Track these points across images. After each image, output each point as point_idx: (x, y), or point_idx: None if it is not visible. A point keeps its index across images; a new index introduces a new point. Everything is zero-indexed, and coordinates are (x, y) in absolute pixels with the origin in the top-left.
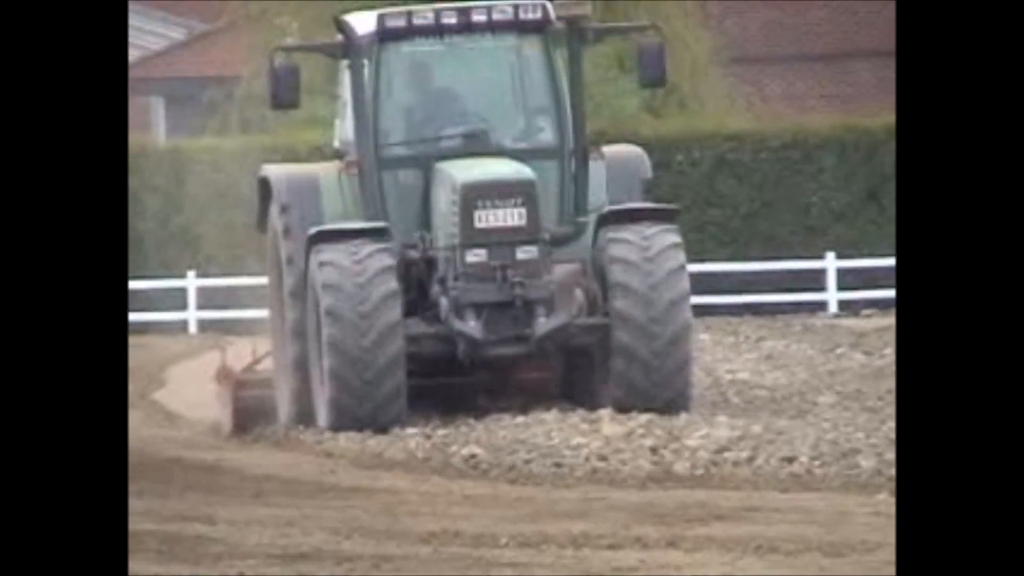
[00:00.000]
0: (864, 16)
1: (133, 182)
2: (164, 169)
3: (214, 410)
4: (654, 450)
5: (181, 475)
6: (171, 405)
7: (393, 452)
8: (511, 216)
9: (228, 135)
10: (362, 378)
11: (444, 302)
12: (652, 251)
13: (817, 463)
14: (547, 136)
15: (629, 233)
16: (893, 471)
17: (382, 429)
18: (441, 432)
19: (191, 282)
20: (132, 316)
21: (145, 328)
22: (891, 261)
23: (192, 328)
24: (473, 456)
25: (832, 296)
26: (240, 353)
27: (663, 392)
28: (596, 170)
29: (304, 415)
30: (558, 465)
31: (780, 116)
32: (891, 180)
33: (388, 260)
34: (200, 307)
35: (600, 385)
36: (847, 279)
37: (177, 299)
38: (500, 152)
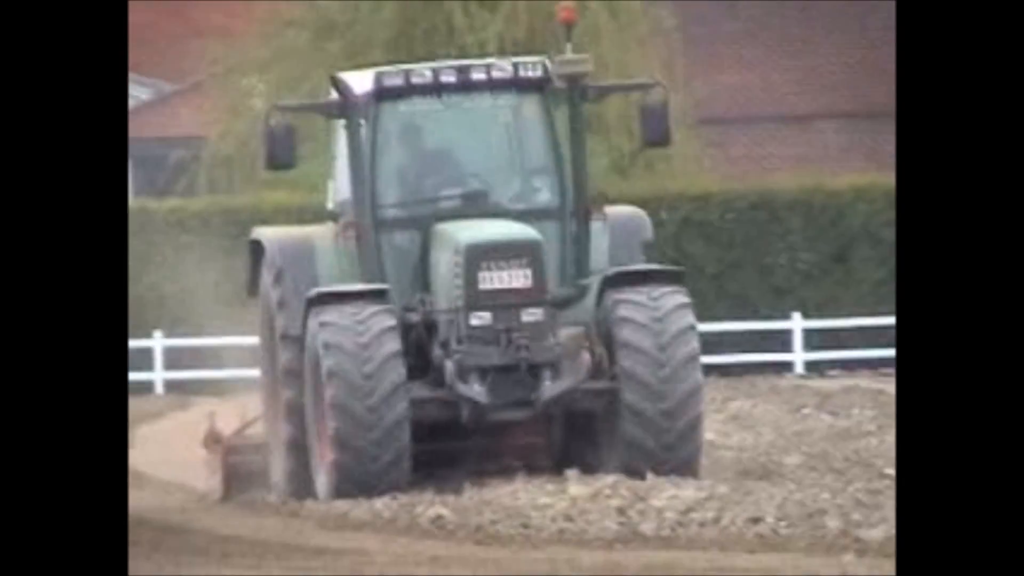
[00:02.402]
0: (829, 79)
1: None
2: (132, 229)
3: (203, 475)
4: (621, 511)
5: (149, 535)
6: (139, 466)
7: (359, 513)
8: (516, 278)
9: (195, 195)
10: (366, 439)
11: (449, 366)
12: (661, 311)
13: (783, 524)
14: (547, 196)
15: (637, 295)
16: (859, 532)
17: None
18: (407, 493)
19: (158, 342)
20: None
21: None
22: (857, 321)
23: (159, 388)
24: (439, 517)
25: (798, 356)
26: (219, 412)
27: (673, 455)
28: (598, 231)
29: (299, 481)
30: (525, 526)
31: (747, 177)
32: (857, 241)
33: (390, 321)
34: (167, 367)
35: (605, 450)
36: (813, 340)
37: (144, 359)
38: (500, 213)
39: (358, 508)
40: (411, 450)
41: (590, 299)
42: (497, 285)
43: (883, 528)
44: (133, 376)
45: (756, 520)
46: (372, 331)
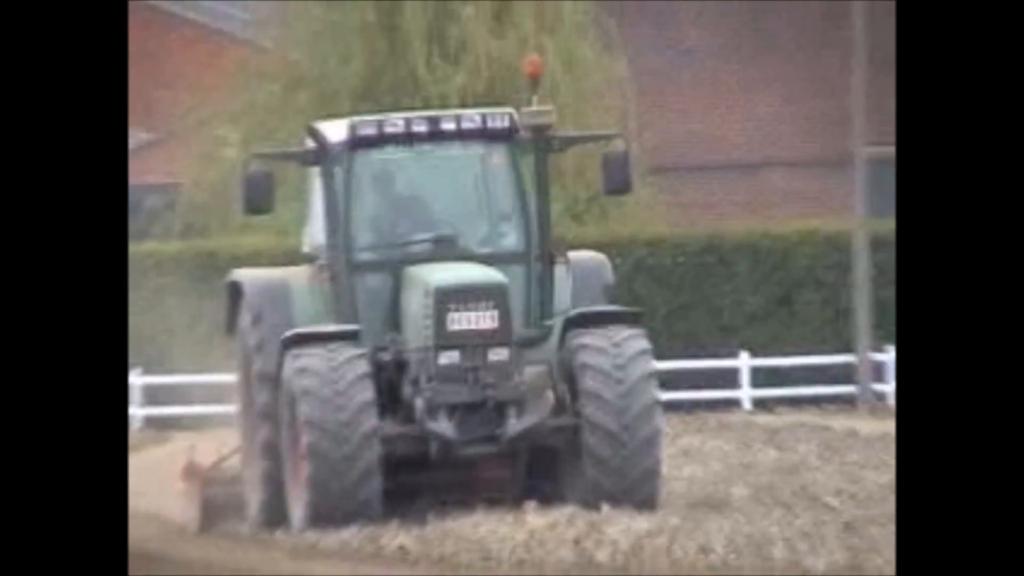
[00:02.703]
0: (775, 128)
1: None
2: None
3: (180, 507)
4: (576, 541)
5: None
6: None
7: (328, 542)
8: (483, 319)
9: (170, 240)
10: (340, 484)
11: (419, 403)
12: (623, 358)
13: (732, 554)
14: (513, 241)
15: (598, 339)
16: (805, 562)
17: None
18: (372, 524)
19: (136, 379)
20: None
21: None
22: (802, 360)
23: (137, 424)
24: (403, 547)
25: (746, 393)
26: (197, 447)
27: (632, 496)
28: (561, 274)
29: (274, 513)
30: (485, 557)
31: (696, 222)
32: (802, 284)
33: (364, 367)
34: (145, 403)
35: (566, 484)
36: (760, 377)
37: None
38: (468, 257)
39: (327, 538)
40: (380, 469)
41: (553, 339)
42: (465, 326)
43: (827, 558)
44: None
45: (706, 551)
46: (347, 379)
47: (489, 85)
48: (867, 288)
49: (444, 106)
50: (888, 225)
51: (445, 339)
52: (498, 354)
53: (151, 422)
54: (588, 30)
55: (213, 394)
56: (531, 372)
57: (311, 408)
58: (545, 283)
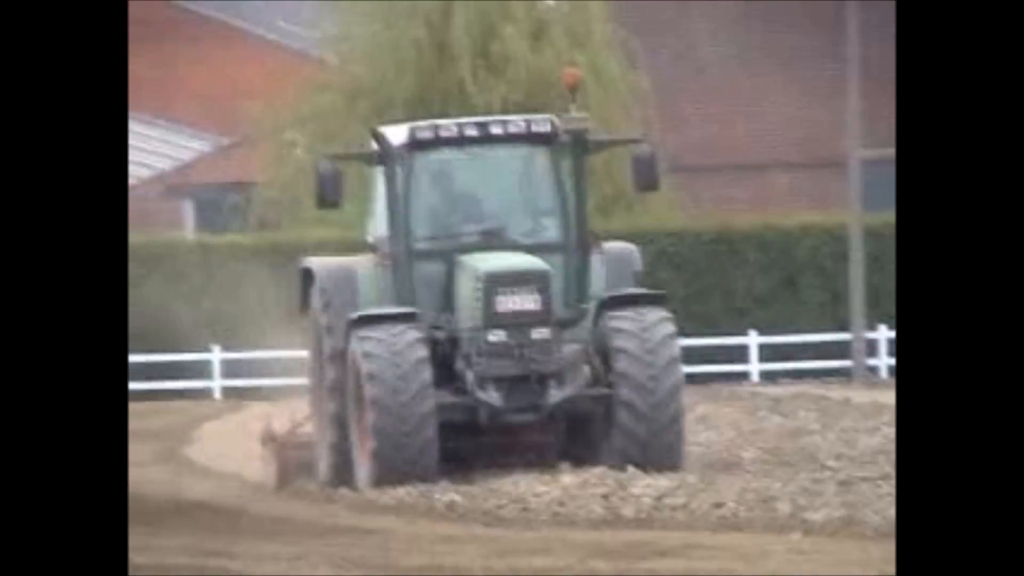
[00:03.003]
0: (780, 133)
1: (167, 271)
2: (194, 260)
3: (260, 469)
4: (605, 497)
5: (207, 518)
6: (200, 459)
7: (385, 499)
8: (527, 302)
9: (247, 232)
10: (399, 430)
11: (469, 375)
12: (652, 342)
13: (742, 508)
14: (553, 233)
15: (630, 323)
16: (805, 515)
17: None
18: (425, 483)
19: (216, 355)
20: (166, 384)
21: (177, 394)
22: (804, 337)
23: (217, 394)
24: (453, 502)
25: (754, 367)
26: (272, 416)
27: (658, 464)
28: (596, 263)
29: (341, 474)
30: (524, 510)
31: (711, 216)
32: (804, 271)
33: (423, 351)
34: (224, 376)
35: (599, 448)
36: (767, 353)
37: (204, 369)
38: (513, 247)
39: (384, 496)
40: (437, 443)
41: (589, 320)
42: (511, 307)
43: (825, 511)
44: (195, 384)
45: (719, 505)
46: (408, 363)
47: (528, 95)
48: (861, 274)
49: (488, 114)
50: (880, 218)
51: (494, 319)
52: (540, 332)
53: (228, 393)
54: (614, 47)
55: (283, 368)
56: (569, 349)
57: (376, 390)
58: (582, 270)
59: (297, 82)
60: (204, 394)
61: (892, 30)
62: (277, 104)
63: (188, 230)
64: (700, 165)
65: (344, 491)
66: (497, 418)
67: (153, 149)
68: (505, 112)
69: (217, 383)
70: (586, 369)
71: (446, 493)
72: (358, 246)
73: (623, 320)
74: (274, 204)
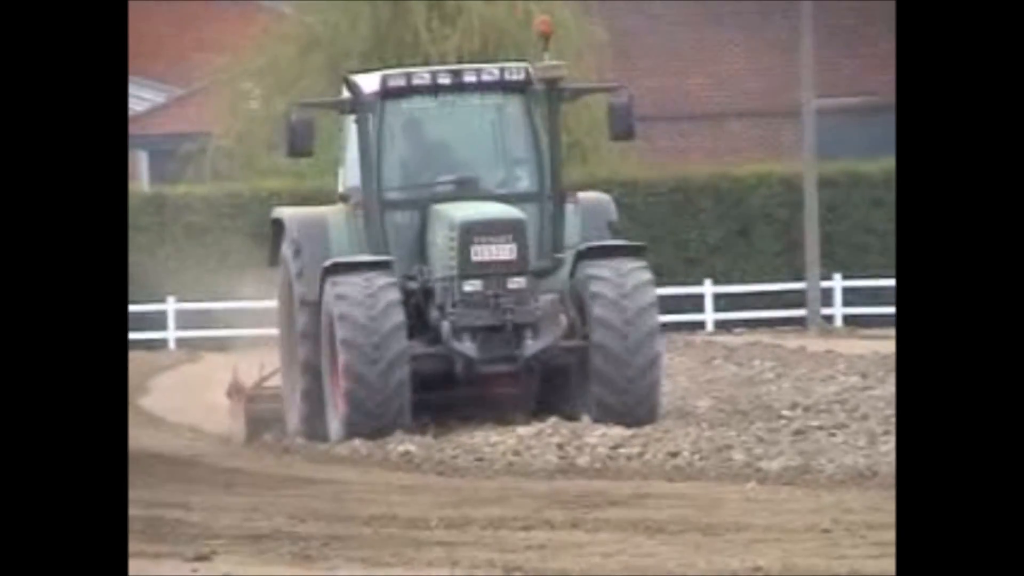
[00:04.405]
0: (737, 83)
1: None
2: (148, 211)
3: (226, 422)
4: (560, 447)
5: (163, 468)
6: (155, 410)
7: (340, 449)
8: (503, 251)
9: (201, 182)
10: (374, 400)
11: (445, 326)
12: (627, 287)
13: (697, 457)
14: (528, 182)
15: (606, 271)
16: (760, 464)
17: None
18: (400, 430)
19: (171, 306)
20: None
21: (132, 345)
22: (758, 287)
23: (172, 345)
24: (407, 452)
25: (709, 317)
26: (237, 368)
27: (634, 412)
28: (571, 212)
29: (313, 426)
30: (479, 460)
31: (666, 167)
32: (758, 220)
33: (396, 294)
34: (178, 327)
35: (577, 400)
36: (721, 302)
37: (159, 320)
38: (487, 197)
39: (339, 445)
40: (410, 386)
41: (565, 270)
42: (487, 257)
43: (780, 460)
44: (150, 335)
45: (674, 454)
46: (380, 305)
47: (482, 45)
48: (816, 223)
49: (442, 64)
50: (834, 167)
51: (469, 269)
52: (516, 282)
53: (183, 343)
54: None
55: (238, 319)
56: (545, 299)
57: (348, 331)
58: (557, 220)
59: (253, 33)
60: (159, 345)
61: None
62: (232, 55)
63: (143, 181)
64: (655, 115)
65: (299, 441)
66: (472, 369)
67: None
68: (460, 63)
69: (172, 334)
70: (563, 319)
71: (401, 443)
72: (312, 196)
73: (599, 267)
74: (228, 154)
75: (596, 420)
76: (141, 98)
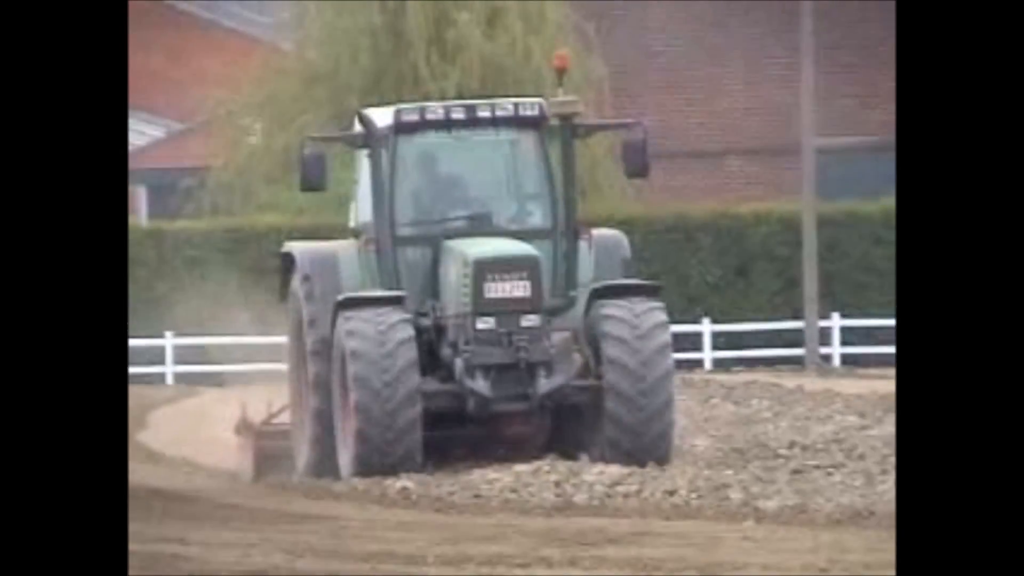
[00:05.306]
0: (733, 121)
1: None
2: (147, 245)
3: (234, 458)
4: (557, 484)
5: (160, 504)
6: (152, 445)
7: (338, 485)
8: (517, 288)
9: (200, 217)
10: (384, 438)
11: (458, 363)
12: (642, 329)
13: (694, 495)
14: (541, 218)
15: (621, 311)
16: (757, 503)
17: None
18: (409, 469)
19: (169, 341)
20: None
21: (130, 380)
22: (756, 325)
23: (169, 379)
24: (405, 488)
25: (707, 355)
26: (226, 400)
27: (648, 454)
28: (584, 249)
29: (321, 464)
30: (477, 496)
31: (665, 204)
32: (757, 258)
33: (409, 331)
34: (176, 362)
35: (590, 440)
36: (719, 341)
37: (157, 355)
38: (500, 232)
39: (337, 482)
40: (422, 424)
41: (579, 308)
42: (500, 294)
43: (777, 499)
44: (148, 369)
45: (671, 492)
46: (392, 342)
47: (482, 82)
48: (815, 262)
49: (442, 100)
50: (834, 206)
51: (482, 306)
52: (530, 320)
53: (181, 378)
54: (569, 33)
55: (237, 354)
56: (558, 337)
57: (359, 367)
58: (570, 257)
59: (253, 68)
60: (156, 379)
61: (846, 17)
62: (233, 90)
63: (141, 215)
64: (654, 152)
65: (296, 478)
66: (485, 407)
67: None
68: (459, 99)
69: (170, 369)
70: (577, 358)
71: (398, 479)
72: (311, 232)
73: (614, 307)
74: (228, 189)
75: (609, 461)
76: (140, 132)
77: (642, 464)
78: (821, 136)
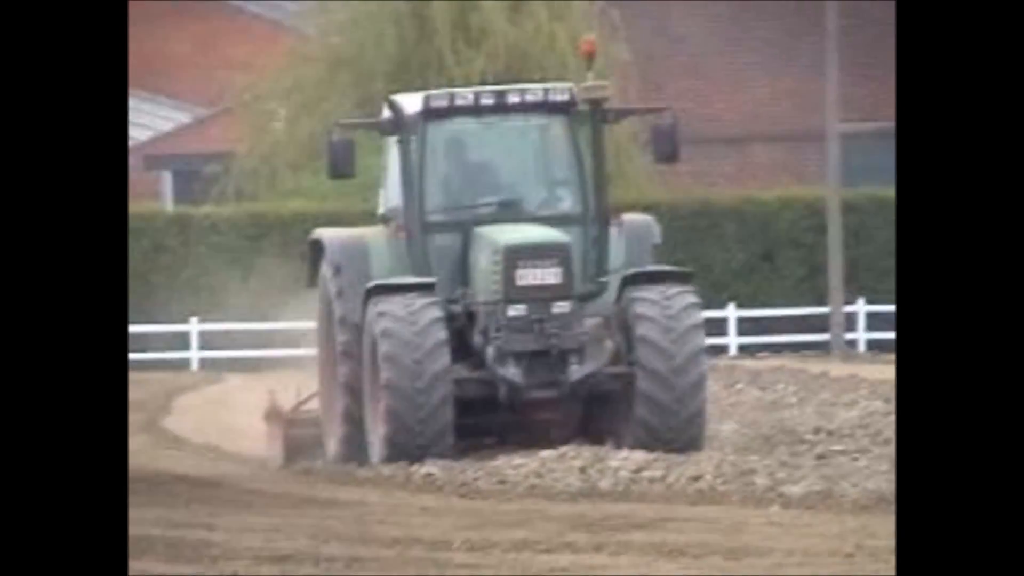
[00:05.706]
0: (760, 108)
1: (146, 243)
2: (172, 231)
3: (263, 446)
4: (583, 470)
5: (186, 489)
6: (177, 431)
7: (363, 471)
8: (548, 275)
9: (225, 203)
10: (415, 417)
11: (489, 351)
12: (673, 309)
13: (720, 481)
14: (571, 204)
15: (652, 293)
16: (783, 488)
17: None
18: (441, 454)
19: (194, 326)
20: (144, 355)
21: (155, 365)
22: (782, 311)
23: (194, 365)
24: (430, 474)
25: (733, 341)
26: (248, 387)
27: (680, 435)
28: (614, 235)
29: (353, 447)
30: (502, 482)
31: (690, 190)
32: (782, 244)
33: (438, 312)
34: (201, 348)
35: (621, 426)
36: (745, 326)
37: (182, 341)
38: (530, 219)
39: (362, 467)
40: (453, 424)
41: (610, 294)
42: (531, 281)
43: (803, 484)
44: (173, 355)
45: (697, 478)
46: (422, 322)
47: (507, 68)
48: (839, 248)
49: (467, 86)
50: (858, 192)
51: (513, 293)
52: (561, 307)
53: (206, 364)
54: (593, 19)
55: (264, 339)
56: (589, 323)
57: (390, 346)
58: (601, 243)
59: (278, 54)
60: (181, 365)
61: (871, 2)
62: (258, 75)
63: (167, 201)
64: (680, 139)
65: (320, 463)
66: (517, 394)
67: (132, 120)
68: (484, 84)
69: (195, 354)
70: (608, 344)
71: (423, 465)
72: (335, 217)
73: (646, 304)
74: (252, 175)
75: (641, 446)
76: (165, 118)
77: (675, 447)
78: (846, 122)
